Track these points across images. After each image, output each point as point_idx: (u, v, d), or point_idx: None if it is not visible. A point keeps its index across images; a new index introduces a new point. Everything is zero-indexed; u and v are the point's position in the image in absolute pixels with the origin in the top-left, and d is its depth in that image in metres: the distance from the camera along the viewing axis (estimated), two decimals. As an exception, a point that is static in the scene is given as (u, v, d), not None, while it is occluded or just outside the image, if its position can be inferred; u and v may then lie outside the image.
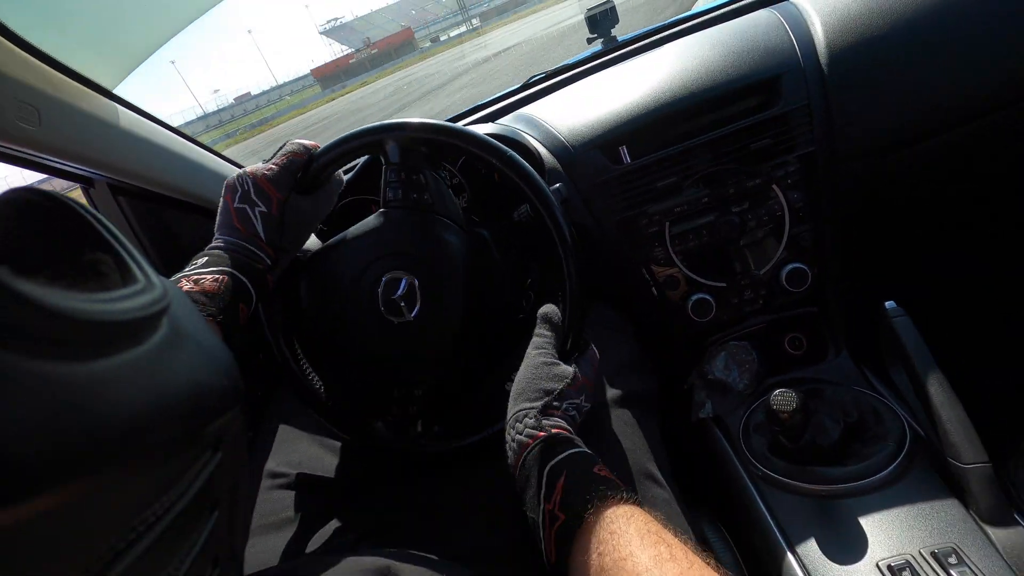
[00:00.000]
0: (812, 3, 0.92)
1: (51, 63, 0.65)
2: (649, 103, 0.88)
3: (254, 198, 0.55)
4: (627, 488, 0.44)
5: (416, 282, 0.68)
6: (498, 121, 1.11)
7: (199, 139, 0.93)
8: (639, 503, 0.43)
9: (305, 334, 0.75)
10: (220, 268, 0.48)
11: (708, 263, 0.89)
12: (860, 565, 0.62)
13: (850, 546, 0.64)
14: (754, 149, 0.84)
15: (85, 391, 0.16)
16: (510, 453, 0.53)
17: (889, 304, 0.74)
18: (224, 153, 0.99)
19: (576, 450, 0.48)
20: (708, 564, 0.37)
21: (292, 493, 0.70)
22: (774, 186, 0.85)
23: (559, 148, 0.92)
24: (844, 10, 0.86)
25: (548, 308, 0.65)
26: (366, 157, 0.94)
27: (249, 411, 0.65)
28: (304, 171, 0.63)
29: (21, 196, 0.19)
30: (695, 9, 1.28)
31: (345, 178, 0.89)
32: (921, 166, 0.87)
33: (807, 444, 0.74)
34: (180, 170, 0.86)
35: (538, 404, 0.54)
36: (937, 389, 0.66)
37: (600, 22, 1.29)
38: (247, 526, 0.25)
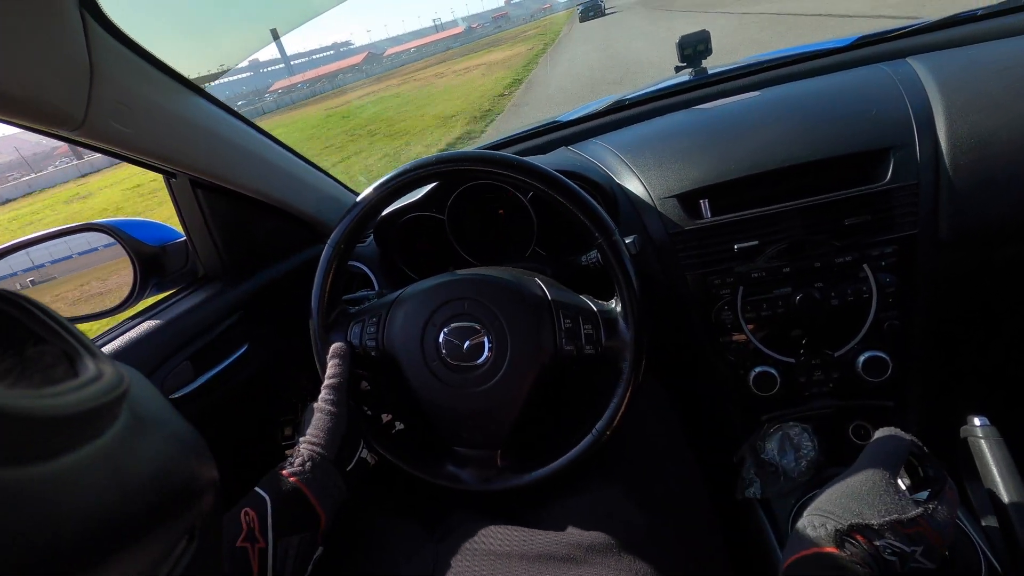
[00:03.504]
0: (933, 73, 0.84)
1: (149, 59, 0.66)
2: (740, 159, 0.82)
3: None
4: None
5: (478, 328, 0.66)
6: (576, 145, 1.07)
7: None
8: None
9: (384, 384, 0.77)
10: None
11: (779, 335, 0.83)
12: None
13: None
14: (849, 224, 0.77)
15: (45, 494, 0.15)
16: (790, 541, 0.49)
17: (980, 419, 0.67)
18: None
19: None
20: None
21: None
22: (865, 266, 0.78)
23: (637, 191, 0.88)
24: (970, 87, 0.78)
25: None
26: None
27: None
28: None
29: None
30: (791, 50, 1.20)
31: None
32: None
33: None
34: (258, 170, 0.86)
35: (843, 521, 0.46)
36: None
37: (692, 56, 1.23)
38: None
